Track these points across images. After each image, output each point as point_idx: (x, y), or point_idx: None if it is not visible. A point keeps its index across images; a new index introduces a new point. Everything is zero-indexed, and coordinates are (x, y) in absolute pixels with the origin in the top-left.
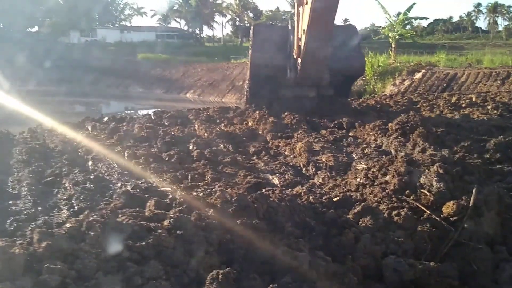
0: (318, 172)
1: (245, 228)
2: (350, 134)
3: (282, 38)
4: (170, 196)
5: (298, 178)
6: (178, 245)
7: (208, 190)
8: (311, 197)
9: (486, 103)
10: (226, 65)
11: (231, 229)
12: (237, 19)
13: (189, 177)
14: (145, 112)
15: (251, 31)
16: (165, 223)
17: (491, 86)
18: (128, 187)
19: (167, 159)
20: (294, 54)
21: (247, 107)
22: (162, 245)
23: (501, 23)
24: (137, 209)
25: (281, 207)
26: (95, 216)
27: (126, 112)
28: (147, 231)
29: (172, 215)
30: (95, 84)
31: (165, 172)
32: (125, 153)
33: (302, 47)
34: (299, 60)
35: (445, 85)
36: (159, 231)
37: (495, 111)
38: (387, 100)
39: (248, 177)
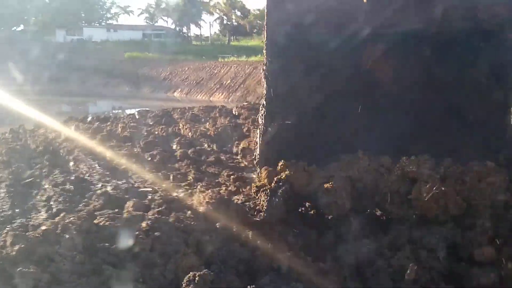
0: None
1: (225, 229)
2: None
3: None
4: (150, 197)
5: None
6: (156, 247)
7: (190, 191)
8: None
9: None
10: (214, 64)
11: (210, 230)
12: (225, 17)
13: (171, 177)
14: (132, 111)
15: None
16: (143, 224)
17: None
18: (108, 188)
19: (149, 159)
20: None
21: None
22: (139, 247)
23: None
24: (116, 210)
25: (262, 208)
26: (71, 219)
27: (113, 111)
28: (124, 233)
29: (151, 217)
30: (82, 83)
31: (147, 173)
32: (107, 153)
33: None
34: None
35: None
36: (137, 233)
37: None
38: None
39: (232, 176)
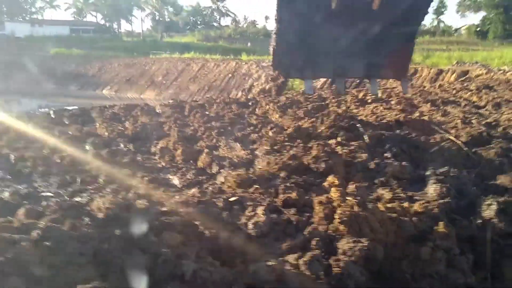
0: (221, 170)
1: (126, 236)
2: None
3: None
4: (45, 203)
5: (200, 177)
6: (45, 258)
7: (94, 195)
8: (205, 198)
9: (390, 98)
10: (145, 60)
11: (109, 237)
12: (157, 13)
13: (79, 180)
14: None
15: None
16: (34, 234)
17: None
18: (6, 194)
19: (58, 161)
20: None
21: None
22: (25, 259)
23: None
24: (9, 218)
25: (170, 213)
26: None
27: (39, 110)
28: (10, 243)
29: (42, 225)
30: (4, 81)
31: (53, 175)
32: (12, 155)
33: None
34: None
35: (358, 81)
36: (24, 243)
37: (398, 106)
38: (298, 96)
39: (146, 178)
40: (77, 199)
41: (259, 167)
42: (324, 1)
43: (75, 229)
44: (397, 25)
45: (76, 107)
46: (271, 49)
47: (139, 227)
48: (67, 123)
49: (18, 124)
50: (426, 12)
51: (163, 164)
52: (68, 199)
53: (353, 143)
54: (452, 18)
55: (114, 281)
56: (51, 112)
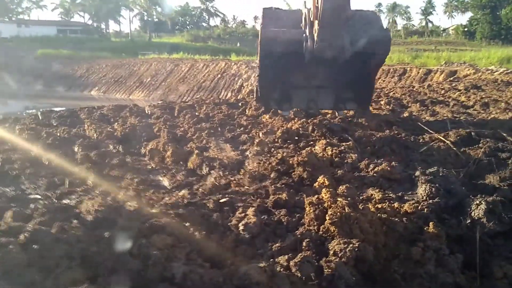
0: (212, 171)
1: (115, 238)
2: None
3: (296, 17)
4: (33, 205)
5: (190, 178)
6: (33, 262)
7: (83, 197)
8: (195, 199)
9: (380, 99)
10: (133, 61)
11: (98, 240)
12: (145, 13)
13: (67, 182)
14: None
15: (261, 14)
16: (21, 237)
17: (389, 82)
18: None
19: (46, 163)
20: (311, 17)
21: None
22: (12, 263)
23: (400, 22)
24: None
25: (159, 214)
26: None
27: (27, 111)
28: None
29: (30, 228)
30: None
31: (41, 178)
32: None
33: (319, 6)
34: (316, 23)
35: None
36: (11, 246)
37: (387, 106)
38: None
39: (136, 179)
40: (66, 201)
41: (250, 168)
42: (298, 55)
43: (64, 232)
44: (359, 70)
45: (64, 109)
46: (254, 87)
47: (128, 230)
48: (55, 124)
49: (5, 126)
50: (382, 64)
51: (153, 165)
52: (56, 201)
53: (342, 143)
54: (440, 19)
55: (103, 284)
56: (39, 113)
